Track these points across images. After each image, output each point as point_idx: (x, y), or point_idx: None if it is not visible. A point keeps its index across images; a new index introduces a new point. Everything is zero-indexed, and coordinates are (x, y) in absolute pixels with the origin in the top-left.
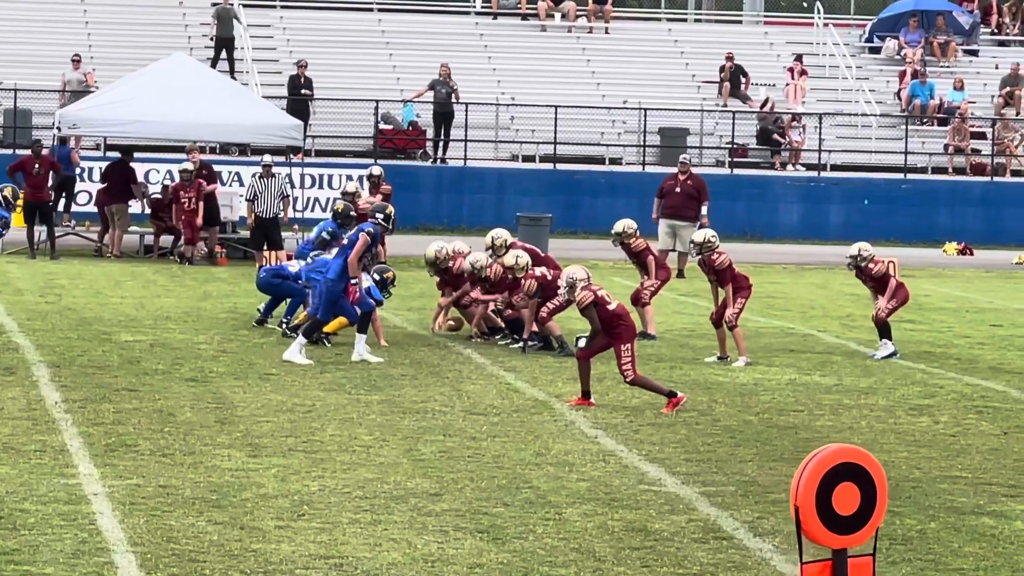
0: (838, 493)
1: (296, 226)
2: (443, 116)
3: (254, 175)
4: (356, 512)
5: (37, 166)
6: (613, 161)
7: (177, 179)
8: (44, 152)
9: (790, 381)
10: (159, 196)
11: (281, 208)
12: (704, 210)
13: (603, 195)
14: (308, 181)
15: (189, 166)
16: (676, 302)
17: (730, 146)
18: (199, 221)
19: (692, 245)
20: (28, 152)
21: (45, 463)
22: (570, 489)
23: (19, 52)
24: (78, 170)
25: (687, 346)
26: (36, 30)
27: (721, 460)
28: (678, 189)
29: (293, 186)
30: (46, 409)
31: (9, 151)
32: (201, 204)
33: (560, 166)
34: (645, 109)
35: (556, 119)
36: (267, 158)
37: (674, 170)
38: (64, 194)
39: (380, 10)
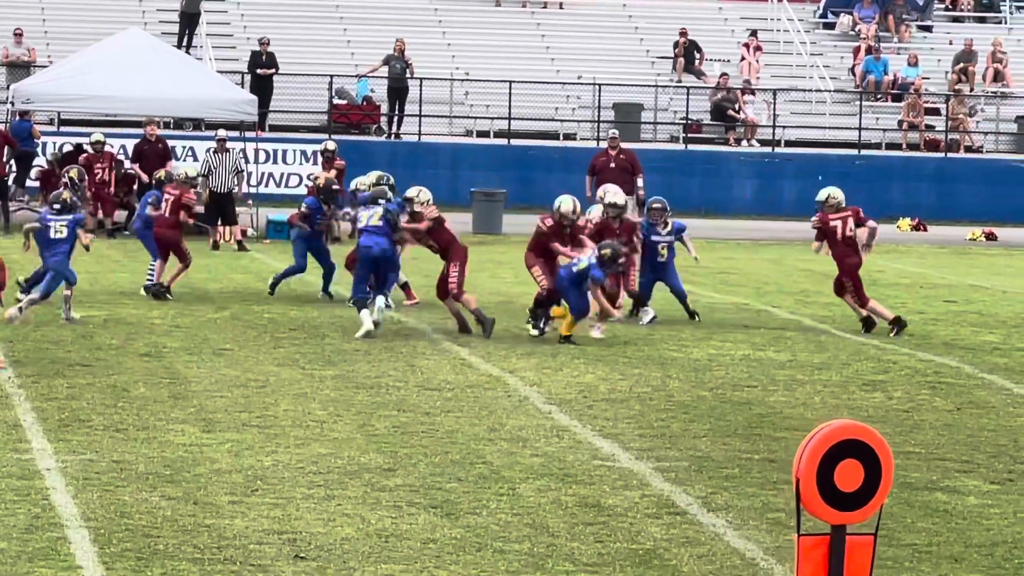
0: (841, 469)
1: (251, 201)
2: (397, 91)
3: (208, 150)
4: (310, 487)
5: None
6: (568, 136)
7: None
8: None
9: (744, 357)
10: (49, 165)
11: (236, 183)
12: (640, 182)
13: (558, 170)
14: (263, 156)
15: (100, 137)
16: None
17: (684, 122)
18: (110, 192)
19: None
20: None
21: None
22: (524, 464)
23: None
24: (38, 143)
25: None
26: None
27: (675, 435)
28: (612, 164)
29: (247, 161)
30: None
31: None
32: (112, 176)
33: (515, 141)
34: (599, 84)
35: (511, 94)
36: (221, 132)
37: (605, 146)
38: (19, 168)
39: None
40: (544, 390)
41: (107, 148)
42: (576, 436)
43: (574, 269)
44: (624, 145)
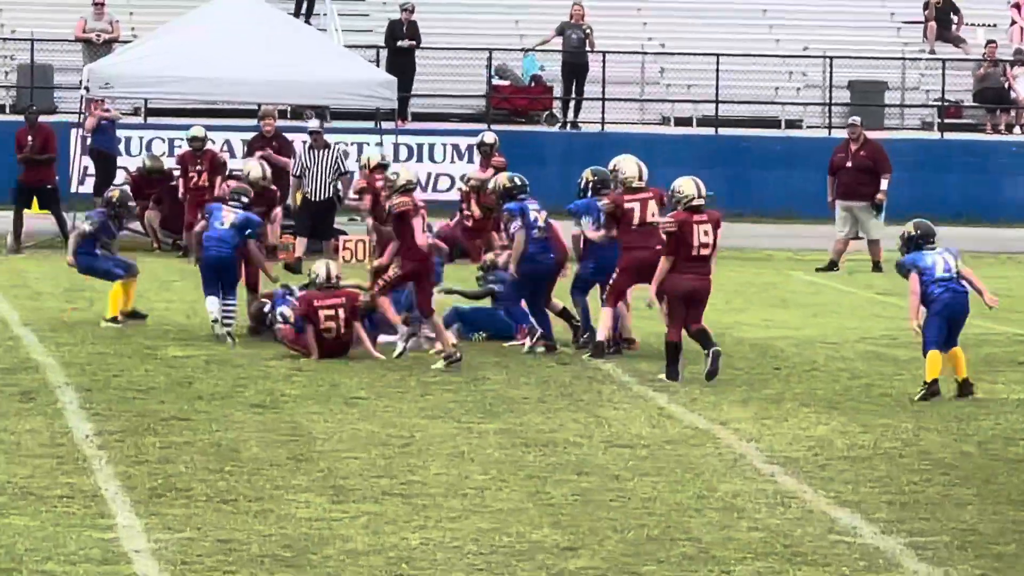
0: None
1: (361, 214)
2: (574, 69)
3: (304, 144)
4: (469, 572)
5: (31, 138)
6: (791, 124)
7: (186, 147)
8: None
9: (1020, 402)
10: (139, 170)
11: (338, 188)
12: (884, 184)
13: (778, 167)
14: (404, 152)
15: (199, 131)
16: (873, 302)
17: (939, 104)
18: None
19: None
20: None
21: (74, 512)
22: (740, 541)
23: None
24: (122, 144)
25: (885, 358)
26: None
27: (932, 503)
28: (849, 163)
29: (347, 155)
30: (75, 444)
31: (51, 118)
32: (218, 180)
33: (723, 131)
34: (831, 58)
35: (718, 72)
36: (314, 123)
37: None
38: (98, 172)
39: None
40: (765, 446)
41: (209, 146)
42: (806, 504)
43: None
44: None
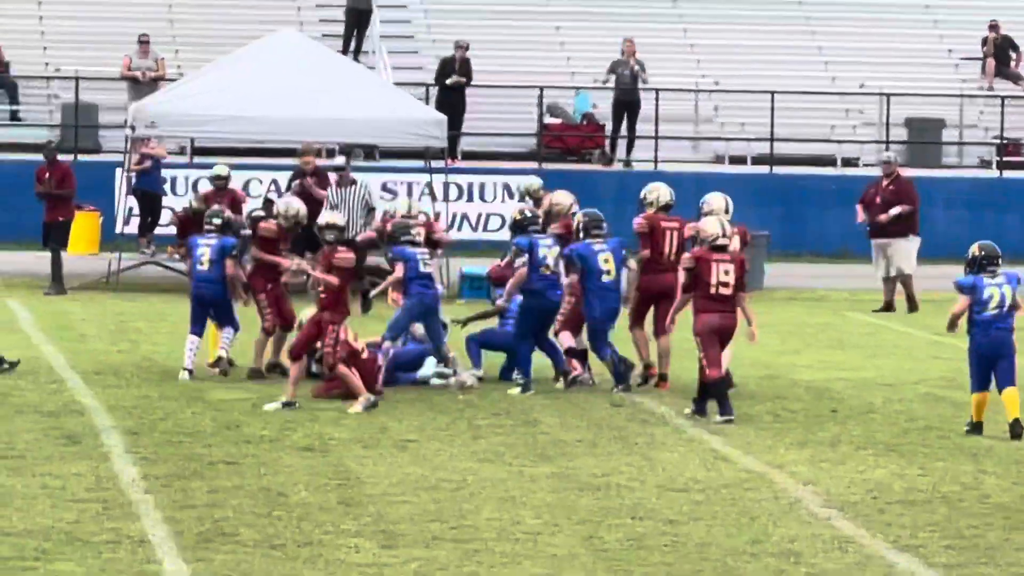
0: None
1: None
2: (626, 106)
3: (333, 182)
4: None
5: (48, 176)
6: (847, 162)
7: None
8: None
9: None
10: (185, 210)
11: (366, 225)
12: (895, 211)
13: (834, 205)
14: (454, 192)
15: (222, 170)
16: (931, 343)
17: (998, 141)
18: None
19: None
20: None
21: (120, 558)
22: None
23: (74, 29)
24: (167, 184)
25: (944, 400)
26: (100, 0)
27: (992, 548)
28: (878, 199)
29: (369, 194)
30: (121, 488)
31: (70, 156)
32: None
33: (778, 169)
34: (887, 95)
35: (773, 109)
36: (339, 160)
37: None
38: (143, 211)
39: None
40: (821, 490)
41: (232, 185)
42: (864, 549)
43: None
44: (917, 173)
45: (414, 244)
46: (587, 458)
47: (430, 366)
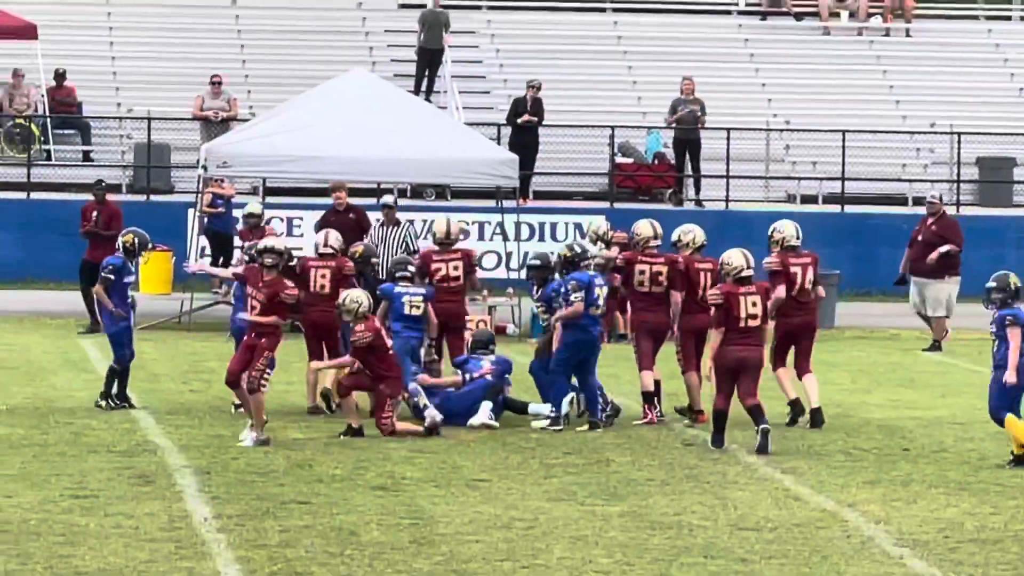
0: None
1: (485, 292)
2: (687, 144)
3: (378, 221)
4: None
5: (96, 214)
6: (918, 201)
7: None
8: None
9: None
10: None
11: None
12: (943, 249)
13: (905, 245)
14: (526, 231)
15: (255, 208)
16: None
17: None
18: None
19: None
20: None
21: None
22: None
23: (146, 70)
24: (239, 225)
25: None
26: (172, 41)
27: None
28: (920, 237)
29: (417, 236)
30: (193, 528)
31: (142, 197)
32: None
33: (849, 208)
34: (959, 133)
35: (844, 147)
36: (387, 198)
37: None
38: (214, 251)
39: (615, 10)
40: (894, 528)
41: (267, 224)
42: None
43: None
44: (988, 212)
45: (409, 281)
46: (659, 497)
47: (485, 412)
